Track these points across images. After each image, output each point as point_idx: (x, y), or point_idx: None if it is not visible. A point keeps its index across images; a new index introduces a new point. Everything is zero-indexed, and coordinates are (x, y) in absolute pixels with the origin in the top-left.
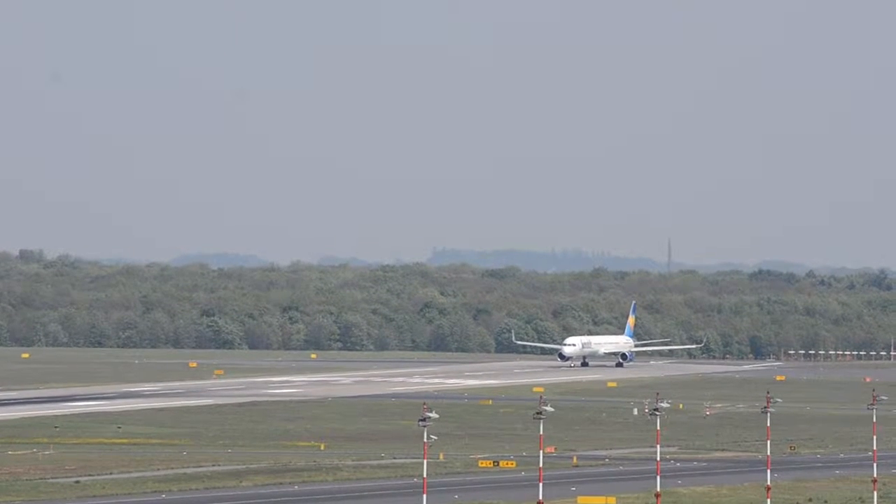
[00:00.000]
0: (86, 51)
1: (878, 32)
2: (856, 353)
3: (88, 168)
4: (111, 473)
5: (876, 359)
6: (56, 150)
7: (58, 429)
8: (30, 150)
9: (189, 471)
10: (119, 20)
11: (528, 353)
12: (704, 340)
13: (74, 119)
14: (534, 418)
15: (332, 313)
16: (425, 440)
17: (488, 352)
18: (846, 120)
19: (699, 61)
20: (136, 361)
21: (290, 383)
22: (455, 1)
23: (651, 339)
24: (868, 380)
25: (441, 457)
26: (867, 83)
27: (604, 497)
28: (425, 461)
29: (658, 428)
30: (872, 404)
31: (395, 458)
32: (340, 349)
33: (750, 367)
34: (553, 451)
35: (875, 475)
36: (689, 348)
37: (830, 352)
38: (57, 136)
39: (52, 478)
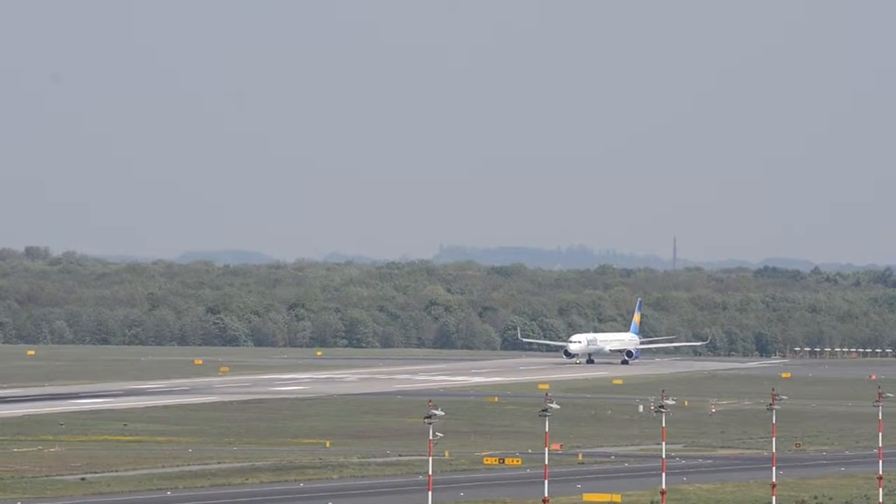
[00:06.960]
0: (86, 51)
1: (879, 32)
2: (861, 350)
3: (89, 168)
4: (117, 471)
5: (882, 356)
6: (56, 150)
7: (63, 426)
8: (30, 150)
9: (195, 468)
10: (119, 21)
11: (534, 350)
12: (710, 338)
13: (74, 119)
14: (539, 415)
15: (337, 310)
16: (431, 437)
17: (494, 349)
18: (846, 120)
19: (700, 61)
20: (142, 359)
21: (296, 380)
22: (458, 0)
23: (656, 336)
24: (874, 377)
25: (446, 454)
26: (867, 83)
27: (609, 494)
28: (430, 458)
29: (663, 425)
30: (878, 401)
31: (400, 456)
32: (346, 346)
33: (755, 364)
34: (559, 448)
35: (880, 472)
36: (694, 345)
37: (836, 349)
38: (57, 136)
39: (57, 475)
